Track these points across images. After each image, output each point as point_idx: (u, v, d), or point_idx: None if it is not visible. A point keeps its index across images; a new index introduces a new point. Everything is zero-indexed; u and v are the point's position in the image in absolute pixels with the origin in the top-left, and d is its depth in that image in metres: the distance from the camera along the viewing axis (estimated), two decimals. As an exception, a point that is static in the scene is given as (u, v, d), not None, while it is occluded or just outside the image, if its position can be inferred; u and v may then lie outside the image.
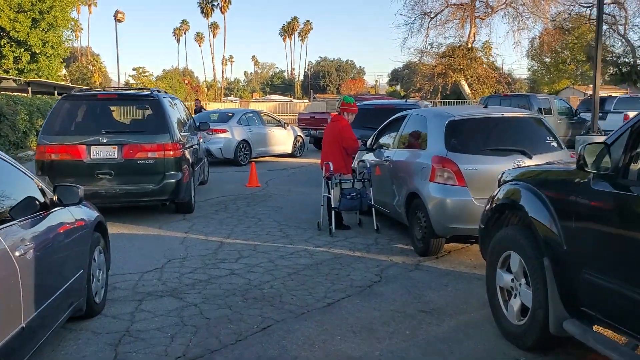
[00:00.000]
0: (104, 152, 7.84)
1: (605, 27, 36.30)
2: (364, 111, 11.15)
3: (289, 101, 53.60)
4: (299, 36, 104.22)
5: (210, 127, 14.72)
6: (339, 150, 7.46)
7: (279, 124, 17.35)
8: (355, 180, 7.43)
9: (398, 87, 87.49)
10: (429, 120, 6.56)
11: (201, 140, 11.56)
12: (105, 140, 7.84)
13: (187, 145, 8.92)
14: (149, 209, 8.83)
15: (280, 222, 8.13)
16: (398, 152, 7.13)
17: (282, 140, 17.06)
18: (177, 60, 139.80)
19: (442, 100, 38.12)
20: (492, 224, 4.40)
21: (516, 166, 5.83)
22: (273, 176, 13.30)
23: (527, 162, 5.92)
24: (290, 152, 17.43)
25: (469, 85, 36.50)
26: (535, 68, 60.80)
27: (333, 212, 7.32)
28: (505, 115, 6.44)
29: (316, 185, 11.72)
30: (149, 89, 8.60)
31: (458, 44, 35.88)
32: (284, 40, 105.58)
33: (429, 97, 36.04)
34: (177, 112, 9.11)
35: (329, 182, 7.43)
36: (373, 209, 7.46)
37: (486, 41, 35.81)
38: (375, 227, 7.43)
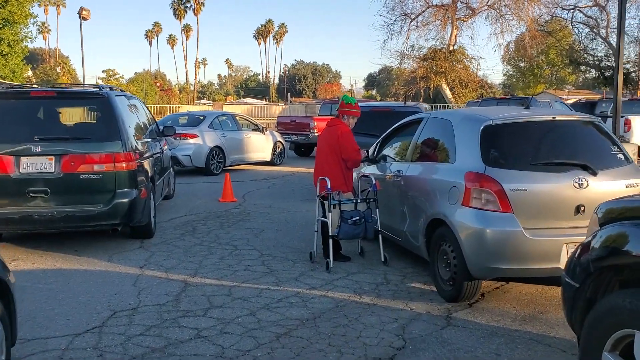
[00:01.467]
0: (37, 164, 6.17)
1: (586, 30, 35.81)
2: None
3: (264, 104, 51.91)
4: (273, 39, 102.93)
5: (178, 132, 13.10)
6: (337, 162, 5.93)
7: (257, 128, 15.76)
8: (359, 201, 5.91)
9: (374, 92, 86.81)
10: (456, 125, 5.08)
11: (166, 148, 9.93)
12: (39, 150, 6.18)
13: (146, 155, 7.30)
14: (99, 232, 7.17)
15: (261, 252, 6.56)
16: (413, 165, 5.64)
17: (260, 146, 15.47)
18: (149, 63, 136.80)
19: (432, 105, 37.00)
20: (589, 283, 2.92)
21: (577, 185, 4.39)
22: (251, 188, 11.70)
23: (591, 180, 4.49)
24: (269, 159, 15.84)
25: (451, 89, 35.40)
26: (511, 73, 60.56)
27: (331, 240, 5.78)
28: (557, 118, 4.99)
29: (301, 199, 10.20)
30: (97, 86, 6.96)
31: (440, 46, 34.75)
32: (258, 43, 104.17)
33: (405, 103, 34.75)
34: (133, 114, 7.48)
35: (325, 202, 5.90)
36: (380, 235, 5.95)
37: (459, 47, 34.51)
38: (383, 259, 5.92)
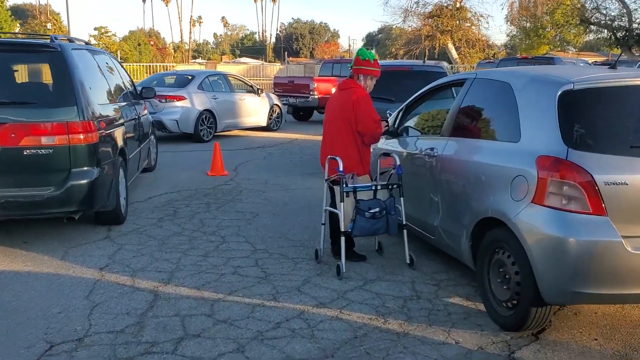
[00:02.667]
0: (-32, 136, 4.83)
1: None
2: None
3: (261, 64, 49.96)
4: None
5: (163, 93, 11.70)
6: (351, 136, 4.60)
7: (252, 90, 14.31)
8: (379, 187, 4.60)
9: (373, 51, 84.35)
10: (520, 89, 3.73)
11: (145, 112, 8.57)
12: (-30, 117, 4.83)
13: (116, 123, 5.96)
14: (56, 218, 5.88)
15: (254, 245, 5.29)
16: (453, 143, 4.31)
17: (255, 110, 14.06)
18: (143, 21, 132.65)
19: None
20: None
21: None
22: (244, 158, 10.37)
23: None
24: (264, 124, 14.46)
25: (457, 49, 33.72)
26: (514, 34, 58.69)
27: (342, 238, 4.49)
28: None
29: (301, 173, 8.89)
30: (48, 36, 5.56)
31: (446, 3, 32.92)
32: (254, 1, 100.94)
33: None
34: (99, 73, 6.09)
35: (336, 188, 4.60)
36: (405, 230, 4.68)
37: (464, 5, 32.61)
38: (408, 260, 4.67)
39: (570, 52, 57.74)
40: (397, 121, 5.39)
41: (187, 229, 5.79)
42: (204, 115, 12.33)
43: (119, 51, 49.36)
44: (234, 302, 3.99)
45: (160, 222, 6.04)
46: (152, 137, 8.92)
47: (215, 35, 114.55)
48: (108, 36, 76.41)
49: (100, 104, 5.66)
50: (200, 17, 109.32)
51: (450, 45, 33.12)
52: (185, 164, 9.71)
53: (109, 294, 4.14)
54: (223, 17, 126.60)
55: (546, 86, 3.52)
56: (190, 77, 12.79)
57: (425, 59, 8.33)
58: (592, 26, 36.41)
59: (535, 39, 54.15)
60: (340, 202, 4.43)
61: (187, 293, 4.15)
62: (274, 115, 14.86)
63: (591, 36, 42.30)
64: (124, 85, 7.32)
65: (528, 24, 51.20)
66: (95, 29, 77.59)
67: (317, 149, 11.50)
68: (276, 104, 14.90)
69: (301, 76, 22.94)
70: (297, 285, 4.31)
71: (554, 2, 36.13)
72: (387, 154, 4.91)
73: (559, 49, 58.18)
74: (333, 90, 17.21)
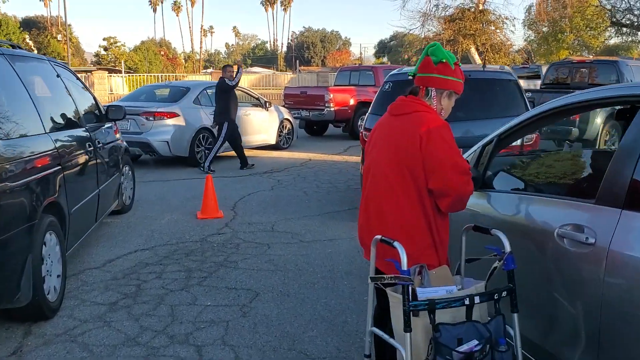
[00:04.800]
0: None
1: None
2: (396, 85, 6.15)
3: (272, 73, 48.10)
4: (281, 5, 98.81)
5: (151, 110, 9.73)
6: (415, 199, 2.51)
7: (258, 103, 12.30)
8: (475, 299, 2.49)
9: (385, 59, 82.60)
10: None
11: (116, 137, 6.60)
12: None
13: (45, 164, 3.95)
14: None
15: (249, 371, 3.23)
16: (635, 220, 2.20)
17: (263, 126, 12.05)
18: (154, 30, 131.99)
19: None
20: None
21: None
22: (247, 189, 8.32)
23: None
24: (273, 142, 12.44)
25: (480, 54, 31.53)
26: (532, 38, 56.57)
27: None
28: None
29: (318, 212, 6.81)
30: None
31: (468, 5, 30.77)
32: (265, 10, 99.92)
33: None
34: (17, 90, 4.08)
35: (391, 298, 2.50)
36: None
37: (486, 9, 30.39)
38: None
39: (589, 56, 55.57)
40: (483, 162, 3.29)
41: (147, 329, 3.73)
42: (201, 135, 10.34)
43: (123, 61, 47.75)
44: None
45: (111, 312, 3.99)
46: (127, 168, 6.92)
47: (227, 44, 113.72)
48: (117, 46, 75.40)
49: (13, 137, 3.65)
50: (211, 27, 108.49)
51: (473, 50, 30.93)
52: (173, 199, 7.68)
53: None
54: (234, 27, 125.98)
55: None
56: (184, 90, 10.80)
57: (485, 64, 6.28)
58: (624, 28, 34.18)
59: (554, 43, 52.08)
60: (405, 331, 2.34)
61: None
62: (284, 131, 12.84)
63: (622, 38, 40.00)
64: (77, 106, 5.31)
65: (546, 29, 49.13)
66: (104, 39, 76.62)
67: (336, 172, 9.43)
68: (287, 119, 12.88)
69: (315, 86, 20.90)
70: None
71: (583, 3, 33.90)
72: (479, 228, 2.79)
73: (578, 53, 55.97)
74: (351, 101, 15.16)
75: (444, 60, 2.67)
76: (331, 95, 14.03)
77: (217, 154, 10.20)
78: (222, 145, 10.01)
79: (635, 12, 32.63)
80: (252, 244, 5.61)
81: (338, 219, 6.52)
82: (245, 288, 4.43)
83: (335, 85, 15.80)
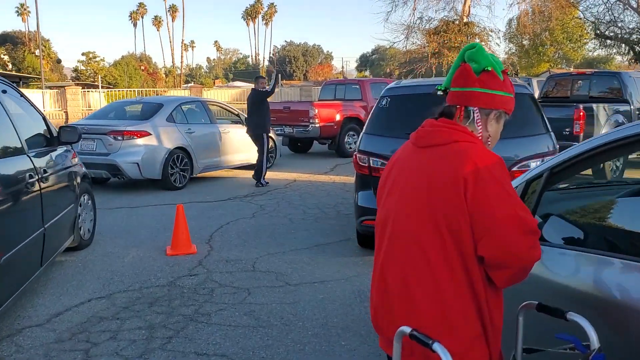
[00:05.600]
0: None
1: (613, -1, 31.57)
2: (395, 100, 5.36)
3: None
4: (263, 20, 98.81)
5: (119, 129, 8.87)
6: (458, 269, 1.71)
7: (238, 120, 11.47)
8: None
9: (367, 73, 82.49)
10: None
11: (75, 161, 5.74)
12: None
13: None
14: None
15: None
16: None
17: (243, 144, 11.18)
18: (134, 45, 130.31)
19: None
20: None
21: None
22: (225, 217, 7.46)
23: None
24: (254, 161, 11.58)
25: (465, 67, 31.12)
26: (513, 51, 56.78)
27: None
28: None
29: (306, 244, 5.92)
30: None
31: (452, 18, 30.43)
32: (247, 24, 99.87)
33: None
34: None
35: None
36: None
37: (470, 21, 30.00)
38: None
39: (568, 68, 55.94)
40: (528, 203, 2.49)
41: (88, 420, 2.86)
42: (175, 155, 9.46)
43: (100, 76, 46.69)
44: None
45: (45, 393, 3.12)
46: (86, 197, 6.04)
47: (208, 59, 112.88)
48: (96, 61, 74.21)
49: None
50: (192, 42, 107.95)
51: (458, 63, 30.52)
52: (139, 231, 6.78)
53: None
54: (216, 41, 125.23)
55: None
56: (157, 106, 9.92)
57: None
58: (608, 40, 34.08)
59: (535, 56, 52.27)
60: None
61: None
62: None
63: (606, 51, 40.01)
64: (16, 129, 4.43)
65: (527, 42, 49.26)
66: (82, 54, 75.42)
67: (324, 195, 8.61)
68: (269, 136, 12.03)
69: (298, 101, 20.12)
70: None
71: (566, 15, 33.83)
72: (547, 309, 1.96)
73: (559, 66, 56.29)
74: (338, 117, 14.32)
75: (489, 69, 1.89)
76: (316, 111, 13.26)
77: (194, 176, 9.33)
78: (268, 157, 10.10)
79: (619, 24, 32.54)
80: (229, 288, 4.76)
81: (329, 254, 5.70)
82: (219, 354, 3.57)
83: (320, 100, 15.04)
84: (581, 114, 8.94)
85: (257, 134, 9.76)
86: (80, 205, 5.82)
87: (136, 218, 7.49)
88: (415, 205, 1.79)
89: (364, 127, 5.29)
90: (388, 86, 5.46)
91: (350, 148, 13.85)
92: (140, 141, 9.06)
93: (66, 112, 24.15)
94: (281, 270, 5.19)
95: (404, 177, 1.88)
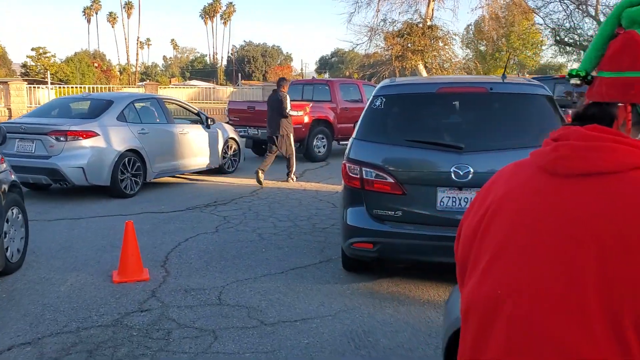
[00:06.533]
0: None
1: (571, 6, 31.90)
2: (392, 100, 4.50)
3: (212, 87, 45.86)
4: (221, 19, 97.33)
5: (61, 128, 7.79)
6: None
7: (198, 119, 10.47)
8: None
9: (327, 75, 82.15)
10: None
11: (4, 166, 4.71)
12: None
13: None
14: None
15: None
16: None
17: (204, 147, 10.20)
18: (88, 42, 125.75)
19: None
20: None
21: None
22: (184, 232, 6.47)
23: None
24: (217, 166, 10.61)
25: (428, 71, 30.81)
26: (470, 57, 57.47)
27: None
28: None
29: (280, 267, 4.85)
30: None
31: (416, 20, 30.03)
32: (205, 23, 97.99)
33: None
34: None
35: None
36: None
37: (434, 24, 29.71)
38: None
39: (523, 74, 57.04)
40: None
41: None
42: (126, 158, 8.39)
43: (49, 73, 44.46)
44: None
45: None
46: (15, 211, 4.99)
47: (164, 57, 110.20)
48: (47, 57, 71.14)
49: None
50: (148, 40, 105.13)
51: (421, 67, 30.16)
52: (81, 249, 5.74)
53: None
54: (172, 40, 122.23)
55: None
56: (107, 103, 8.82)
57: (505, 74, 4.77)
58: (567, 47, 34.49)
59: (491, 62, 52.99)
60: None
61: None
62: (230, 152, 11.04)
63: (566, 57, 40.57)
64: None
65: (483, 47, 49.83)
66: (32, 49, 72.27)
67: (295, 205, 7.69)
68: (232, 138, 11.08)
69: (264, 101, 19.13)
70: None
71: (528, 21, 34.06)
72: None
73: (515, 72, 57.28)
74: (306, 119, 13.45)
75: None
76: (283, 112, 12.33)
77: (147, 181, 8.29)
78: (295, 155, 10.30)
79: (578, 31, 32.94)
80: (190, 330, 3.82)
81: (309, 280, 4.83)
82: None
83: (286, 100, 14.09)
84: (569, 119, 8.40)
85: (278, 135, 9.90)
86: (7, 221, 4.78)
87: (78, 232, 6.43)
88: (564, 286, 0.96)
89: (355, 132, 4.44)
90: (382, 84, 4.63)
91: (320, 152, 13.01)
92: (86, 142, 7.96)
93: (9, 109, 22.44)
94: (253, 304, 4.29)
95: (531, 229, 1.03)
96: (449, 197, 4.06)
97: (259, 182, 9.59)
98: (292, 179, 10.18)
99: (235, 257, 5.52)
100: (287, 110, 9.69)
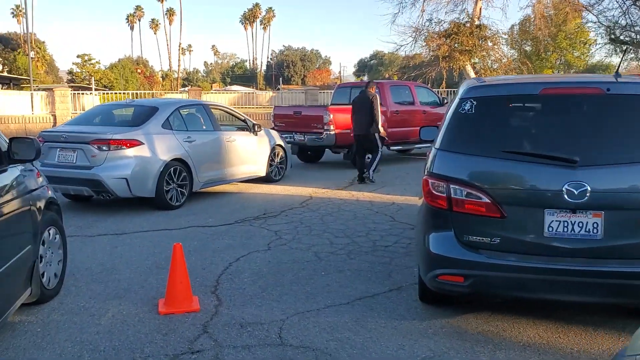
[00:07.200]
0: None
1: (628, 2, 30.24)
2: (484, 104, 3.76)
3: (252, 92, 45.67)
4: (261, 24, 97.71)
5: (104, 137, 7.36)
6: None
7: (245, 126, 9.95)
8: None
9: (365, 78, 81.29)
10: None
11: (40, 181, 4.24)
12: None
13: None
14: None
15: None
16: None
17: (251, 155, 9.68)
18: (131, 48, 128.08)
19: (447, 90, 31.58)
20: None
21: None
22: (233, 252, 5.89)
23: None
24: (263, 174, 10.06)
25: (476, 72, 29.70)
26: (515, 57, 55.68)
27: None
28: None
29: (344, 295, 4.01)
30: None
31: (463, 20, 28.97)
32: (245, 29, 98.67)
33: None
34: None
35: None
36: None
37: (482, 23, 28.54)
38: None
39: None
40: None
41: None
42: (172, 168, 7.92)
43: (94, 79, 45.17)
44: None
45: None
46: (51, 231, 4.50)
47: (205, 63, 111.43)
48: (91, 64, 72.71)
49: None
50: (190, 46, 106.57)
51: (469, 67, 29.07)
52: (124, 271, 5.22)
53: None
54: (213, 46, 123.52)
55: None
56: (151, 110, 8.37)
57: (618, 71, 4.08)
58: (623, 46, 32.74)
59: (537, 62, 51.18)
60: None
61: None
62: (277, 160, 10.49)
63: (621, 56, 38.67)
64: None
65: (528, 48, 48.09)
66: (78, 56, 73.99)
67: (350, 217, 6.84)
68: (279, 145, 10.53)
69: (311, 105, 18.58)
70: None
71: (575, 20, 32.54)
72: None
73: (562, 72, 55.21)
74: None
75: None
76: (331, 116, 11.74)
77: (194, 191, 7.79)
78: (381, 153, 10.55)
79: (636, 28, 31.21)
80: (249, 379, 3.21)
81: (380, 313, 4.16)
82: None
83: (334, 104, 13.48)
84: None
85: (370, 134, 10.12)
86: (43, 244, 4.29)
87: (121, 250, 5.94)
88: None
89: (439, 142, 3.75)
90: (470, 85, 3.91)
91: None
92: (129, 152, 7.52)
93: (54, 115, 22.58)
94: (320, 345, 3.65)
95: None
96: (560, 222, 3.33)
97: (362, 182, 10.31)
98: (370, 179, 10.35)
99: (292, 282, 4.90)
100: (376, 111, 9.97)
